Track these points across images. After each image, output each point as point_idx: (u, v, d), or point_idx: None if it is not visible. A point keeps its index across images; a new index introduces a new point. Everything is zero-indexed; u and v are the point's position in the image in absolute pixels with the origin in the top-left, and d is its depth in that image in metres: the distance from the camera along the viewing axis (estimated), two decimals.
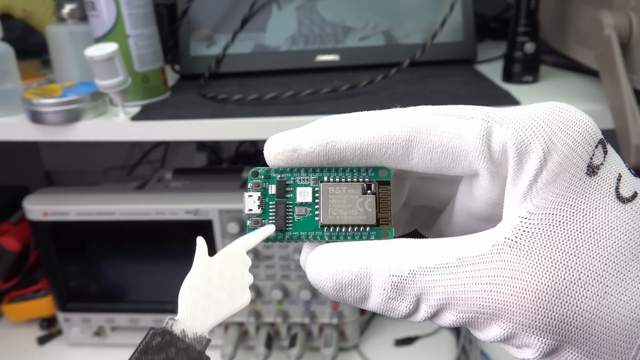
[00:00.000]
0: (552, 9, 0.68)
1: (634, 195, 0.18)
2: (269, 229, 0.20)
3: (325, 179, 0.20)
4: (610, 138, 0.49)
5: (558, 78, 0.63)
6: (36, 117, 0.55)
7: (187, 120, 0.55)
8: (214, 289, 0.19)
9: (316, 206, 0.20)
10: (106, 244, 0.74)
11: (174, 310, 0.18)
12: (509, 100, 0.54)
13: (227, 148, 1.01)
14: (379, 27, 0.69)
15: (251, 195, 0.20)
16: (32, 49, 0.72)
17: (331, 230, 0.20)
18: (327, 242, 0.20)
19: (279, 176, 0.20)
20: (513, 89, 0.58)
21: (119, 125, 0.56)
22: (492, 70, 0.66)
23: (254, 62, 0.69)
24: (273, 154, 0.20)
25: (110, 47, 0.53)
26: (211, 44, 0.70)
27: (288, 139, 0.19)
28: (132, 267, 0.75)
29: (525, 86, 0.60)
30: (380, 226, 0.20)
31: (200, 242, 0.19)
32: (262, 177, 0.20)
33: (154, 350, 0.18)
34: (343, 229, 0.20)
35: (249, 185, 0.20)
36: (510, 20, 0.60)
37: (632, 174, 0.18)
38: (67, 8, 0.61)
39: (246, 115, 0.54)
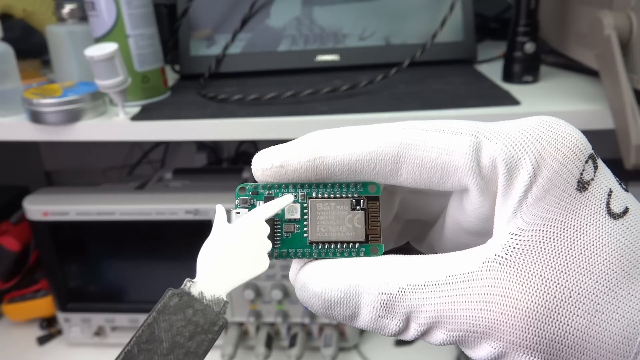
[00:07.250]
0: (552, 9, 0.68)
1: (625, 211, 0.17)
2: (287, 199, 0.19)
3: (314, 195, 0.19)
4: (610, 138, 0.49)
5: (558, 78, 0.63)
6: (36, 117, 0.55)
7: (187, 120, 0.55)
8: (232, 254, 0.19)
9: (304, 223, 0.19)
10: (106, 244, 0.74)
11: None
12: (509, 100, 0.54)
13: (227, 148, 1.01)
14: (377, 34, 0.69)
15: (239, 212, 0.19)
16: (32, 49, 0.72)
17: (320, 247, 0.19)
18: (316, 259, 0.19)
19: (266, 192, 0.20)
20: (513, 89, 0.58)
21: (119, 125, 0.56)
22: (492, 70, 0.66)
23: (254, 62, 0.69)
24: (261, 169, 0.19)
25: (110, 47, 0.53)
26: (211, 44, 0.70)
27: (276, 155, 0.19)
28: (132, 267, 0.75)
29: (525, 86, 0.60)
30: (369, 242, 0.19)
31: (220, 209, 0.19)
32: (250, 193, 0.20)
33: (172, 311, 0.18)
34: (332, 246, 0.19)
35: (237, 201, 0.20)
36: (510, 20, 0.60)
37: (623, 188, 0.18)
38: (67, 8, 0.61)
39: (246, 115, 0.54)
